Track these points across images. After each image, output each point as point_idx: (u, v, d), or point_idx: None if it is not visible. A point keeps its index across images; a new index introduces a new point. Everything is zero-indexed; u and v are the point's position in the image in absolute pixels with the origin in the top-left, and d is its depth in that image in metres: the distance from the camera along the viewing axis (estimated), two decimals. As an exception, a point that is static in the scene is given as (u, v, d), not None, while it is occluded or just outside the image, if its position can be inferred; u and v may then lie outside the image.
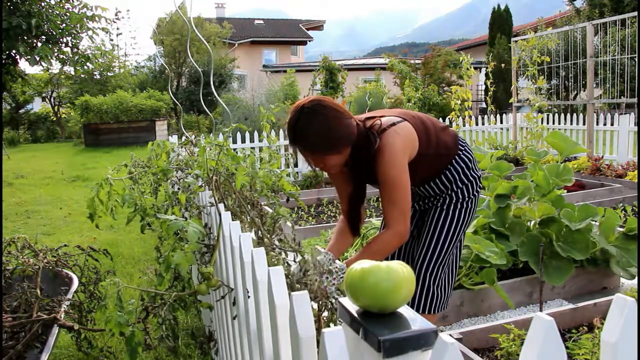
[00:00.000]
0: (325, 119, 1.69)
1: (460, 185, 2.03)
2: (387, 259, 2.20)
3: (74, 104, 15.94)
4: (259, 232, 1.65)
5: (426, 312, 2.06)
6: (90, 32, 8.70)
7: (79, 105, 15.17)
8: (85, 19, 8.43)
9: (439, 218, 2.04)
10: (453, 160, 2.02)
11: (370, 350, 0.66)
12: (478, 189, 2.09)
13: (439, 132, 1.99)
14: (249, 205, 1.82)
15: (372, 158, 1.80)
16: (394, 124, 1.82)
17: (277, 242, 1.63)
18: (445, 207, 2.04)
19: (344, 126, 1.72)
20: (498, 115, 9.00)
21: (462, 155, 2.04)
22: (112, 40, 12.50)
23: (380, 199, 1.89)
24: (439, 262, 2.04)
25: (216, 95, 1.99)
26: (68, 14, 8.38)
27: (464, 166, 2.03)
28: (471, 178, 2.04)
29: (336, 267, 1.57)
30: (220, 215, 1.51)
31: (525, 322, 2.31)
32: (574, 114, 8.31)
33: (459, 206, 2.03)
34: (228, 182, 1.86)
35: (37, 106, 21.15)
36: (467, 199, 2.04)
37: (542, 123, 7.63)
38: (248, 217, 1.72)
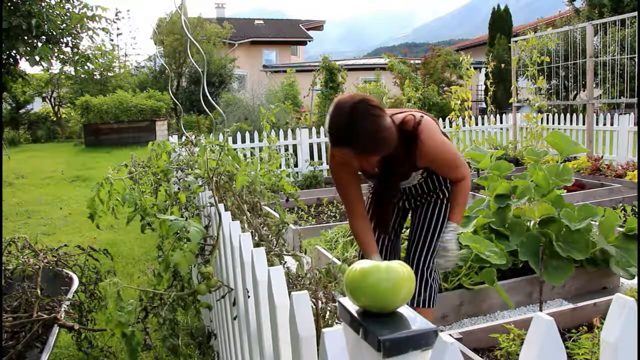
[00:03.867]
0: (378, 120, 1.67)
1: (449, 185, 2.16)
2: (385, 259, 2.26)
3: (74, 104, 15.93)
4: (256, 236, 1.65)
5: (427, 306, 2.15)
6: (90, 32, 8.70)
7: (79, 105, 15.16)
8: (85, 19, 8.43)
9: (432, 214, 2.15)
10: None
11: (370, 350, 0.66)
12: None
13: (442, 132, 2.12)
14: (248, 211, 1.82)
15: (411, 152, 1.89)
16: (422, 116, 1.93)
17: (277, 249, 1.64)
18: (433, 203, 2.16)
19: (390, 127, 1.71)
20: (498, 115, 8.99)
21: None
22: (112, 40, 12.44)
23: (438, 172, 2.08)
24: (432, 255, 2.15)
25: (211, 100, 1.98)
26: (68, 14, 8.37)
27: None
28: None
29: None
30: (220, 215, 1.51)
31: (525, 322, 2.31)
32: (574, 114, 8.31)
33: (445, 202, 2.17)
34: (228, 183, 1.86)
35: (38, 106, 21.12)
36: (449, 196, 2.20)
37: (542, 123, 7.63)
38: (246, 223, 1.72)
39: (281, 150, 7.32)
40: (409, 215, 2.34)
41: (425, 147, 1.88)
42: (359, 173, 2.06)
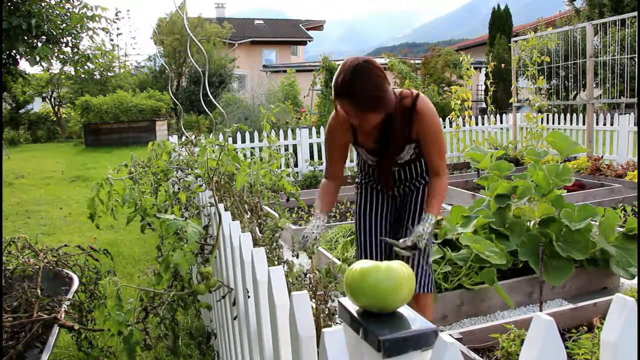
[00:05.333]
0: (377, 79, 1.82)
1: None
2: (380, 256, 2.29)
3: (74, 104, 15.94)
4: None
5: (426, 291, 2.21)
6: (90, 32, 8.70)
7: (79, 105, 15.17)
8: (85, 19, 8.44)
9: (422, 202, 2.22)
10: None
11: (370, 350, 0.66)
12: None
13: None
14: (248, 212, 1.82)
15: (408, 124, 1.99)
16: (419, 93, 2.03)
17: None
18: (421, 191, 2.24)
19: (388, 89, 1.86)
20: (498, 115, 8.99)
21: None
22: (112, 40, 12.44)
23: (424, 153, 2.12)
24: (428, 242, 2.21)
25: (213, 99, 1.99)
26: (68, 14, 8.38)
27: None
28: None
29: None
30: (220, 215, 1.51)
31: (525, 322, 2.31)
32: (574, 114, 8.31)
33: None
34: (228, 183, 1.86)
35: (37, 106, 21.13)
36: None
37: (542, 123, 7.63)
38: (247, 226, 1.72)
39: (281, 150, 7.32)
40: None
41: (421, 115, 1.98)
42: (362, 149, 2.18)
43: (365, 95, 1.80)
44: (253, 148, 6.99)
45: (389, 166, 2.15)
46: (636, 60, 8.50)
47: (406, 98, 1.99)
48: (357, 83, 1.79)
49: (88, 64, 9.19)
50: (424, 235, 1.95)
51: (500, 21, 17.89)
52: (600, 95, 10.55)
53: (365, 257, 2.34)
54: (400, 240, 1.96)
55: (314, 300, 1.26)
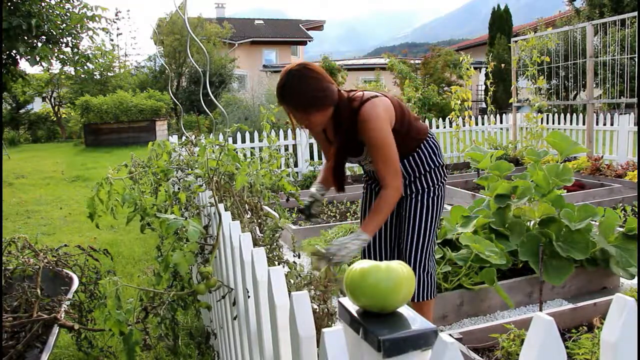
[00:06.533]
0: (310, 80, 1.88)
1: (428, 169, 2.18)
2: (379, 256, 2.28)
3: (74, 104, 15.95)
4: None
5: (421, 300, 2.20)
6: (90, 32, 8.70)
7: (79, 105, 15.18)
8: (85, 19, 8.44)
9: (416, 209, 2.18)
10: (422, 145, 2.18)
11: (370, 350, 0.66)
12: (444, 177, 2.25)
13: (412, 118, 2.17)
14: (248, 212, 1.82)
15: (353, 126, 1.97)
16: (375, 96, 2.00)
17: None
18: (419, 198, 2.18)
19: (326, 89, 1.90)
20: (498, 115, 8.99)
21: (429, 142, 2.21)
22: (112, 40, 12.51)
23: (372, 163, 2.05)
24: (425, 250, 2.18)
25: (214, 99, 2.00)
26: (68, 14, 8.38)
27: (430, 152, 2.19)
28: (437, 163, 2.21)
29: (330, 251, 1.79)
30: (220, 215, 1.51)
31: (525, 322, 2.31)
32: (574, 114, 8.31)
33: (431, 194, 2.19)
34: (228, 183, 1.86)
35: (38, 106, 21.12)
36: (436, 186, 2.20)
37: (541, 123, 7.63)
38: (247, 226, 1.72)
39: (281, 150, 7.32)
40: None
41: (360, 119, 1.95)
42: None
43: (298, 97, 1.87)
44: (253, 148, 6.99)
45: (340, 164, 2.15)
46: (636, 60, 8.50)
47: (355, 101, 1.98)
48: (290, 86, 1.87)
49: (88, 64, 9.19)
50: (339, 250, 1.79)
51: (500, 21, 17.90)
52: (600, 95, 10.55)
53: (369, 257, 2.35)
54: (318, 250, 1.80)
55: (314, 301, 1.26)
